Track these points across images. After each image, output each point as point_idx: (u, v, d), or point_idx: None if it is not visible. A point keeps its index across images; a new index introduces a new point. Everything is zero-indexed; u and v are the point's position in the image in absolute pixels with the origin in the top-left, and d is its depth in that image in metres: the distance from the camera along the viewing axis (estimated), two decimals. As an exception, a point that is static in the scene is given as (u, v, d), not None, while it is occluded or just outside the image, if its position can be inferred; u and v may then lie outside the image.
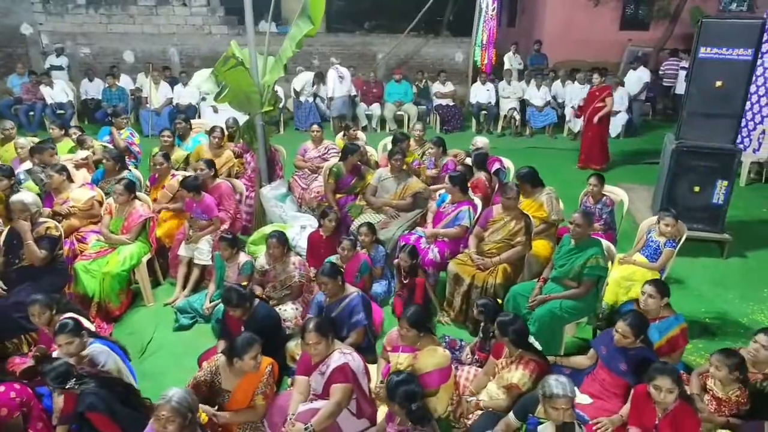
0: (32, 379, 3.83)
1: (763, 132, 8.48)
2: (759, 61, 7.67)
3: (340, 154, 6.94)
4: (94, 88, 11.29)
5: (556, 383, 2.97)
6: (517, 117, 11.09)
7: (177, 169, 6.10)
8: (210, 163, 5.58)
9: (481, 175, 5.78)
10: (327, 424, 3.22)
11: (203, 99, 11.03)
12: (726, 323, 4.98)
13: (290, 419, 3.24)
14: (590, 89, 9.47)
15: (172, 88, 10.95)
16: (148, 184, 6.10)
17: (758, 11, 13.31)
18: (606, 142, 9.25)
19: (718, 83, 5.79)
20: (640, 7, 14.29)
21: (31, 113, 10.64)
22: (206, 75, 5.60)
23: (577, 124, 10.60)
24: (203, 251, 5.29)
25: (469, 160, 6.42)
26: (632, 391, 3.38)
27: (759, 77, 8.18)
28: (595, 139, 9.11)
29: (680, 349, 3.96)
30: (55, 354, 3.64)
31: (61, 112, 10.64)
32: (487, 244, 4.89)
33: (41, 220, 4.69)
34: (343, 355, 3.38)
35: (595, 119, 8.96)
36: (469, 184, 5.45)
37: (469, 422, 3.56)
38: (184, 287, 5.32)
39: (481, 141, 6.56)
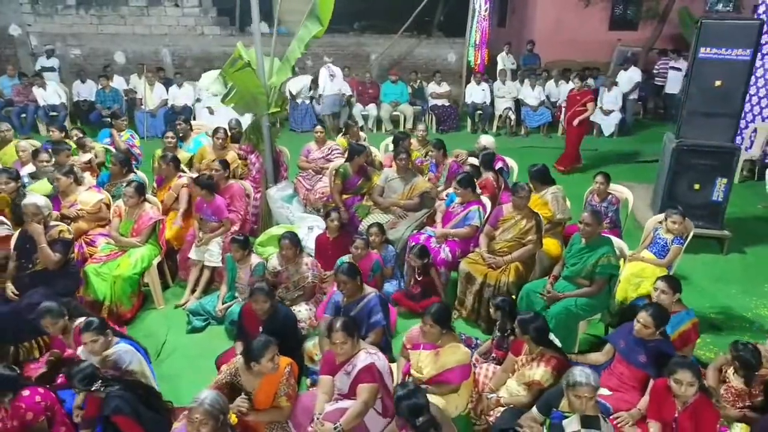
0: (49, 384, 3.81)
1: (755, 130, 8.67)
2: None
3: (343, 154, 6.99)
4: (86, 90, 11.16)
5: (580, 372, 3.05)
6: (512, 117, 11.20)
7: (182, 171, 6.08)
8: (224, 164, 5.57)
9: (488, 175, 5.84)
10: (355, 423, 3.24)
11: (198, 100, 11.00)
12: (731, 318, 5.09)
13: (318, 419, 3.25)
14: (570, 92, 9.47)
15: (167, 90, 10.88)
16: (155, 185, 6.07)
17: (744, 11, 13.61)
18: (577, 147, 9.16)
19: (718, 83, 5.91)
20: (628, 7, 14.46)
21: (23, 115, 10.51)
22: (214, 76, 5.57)
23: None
24: (213, 253, 5.29)
25: (471, 159, 6.48)
26: (651, 385, 3.46)
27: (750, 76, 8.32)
28: (573, 141, 9.07)
29: (692, 343, 4.06)
30: (79, 351, 3.65)
31: (54, 114, 10.51)
32: (498, 243, 4.95)
33: (53, 223, 4.66)
34: (369, 355, 3.40)
35: (575, 122, 8.88)
36: (477, 184, 5.49)
37: (491, 419, 3.60)
38: (194, 290, 5.31)
39: (486, 140, 6.61)
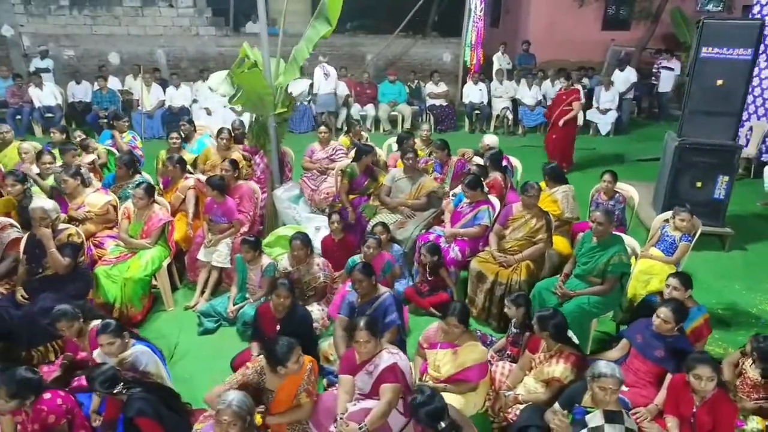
0: (63, 387, 3.79)
1: (751, 129, 8.79)
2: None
3: (347, 154, 7.00)
4: (81, 91, 11.03)
5: (605, 364, 3.09)
6: (510, 116, 11.26)
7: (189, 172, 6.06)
8: (234, 164, 5.55)
9: (496, 175, 5.85)
10: (380, 423, 3.24)
11: (195, 101, 10.95)
12: (737, 314, 5.17)
13: (342, 419, 3.25)
14: (558, 92, 9.45)
15: (164, 90, 10.81)
16: (160, 187, 6.03)
17: (735, 11, 13.79)
18: (571, 146, 9.05)
19: (719, 82, 5.98)
20: (621, 7, 14.60)
21: (18, 117, 10.38)
22: (222, 77, 5.55)
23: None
24: (222, 253, 5.26)
25: (477, 159, 6.50)
26: (668, 381, 3.50)
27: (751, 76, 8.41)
28: (560, 142, 8.93)
29: (704, 338, 4.12)
30: (95, 354, 3.62)
31: (50, 115, 10.41)
32: (508, 241, 4.98)
33: (61, 226, 4.61)
34: (392, 355, 3.41)
35: (561, 123, 8.78)
36: (484, 184, 5.52)
37: (509, 416, 3.63)
38: (203, 292, 5.28)
39: (490, 140, 6.64)
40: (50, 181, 5.50)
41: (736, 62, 5.88)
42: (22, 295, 4.43)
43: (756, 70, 8.55)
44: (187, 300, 5.32)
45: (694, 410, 3.28)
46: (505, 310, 4.10)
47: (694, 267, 5.86)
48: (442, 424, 2.88)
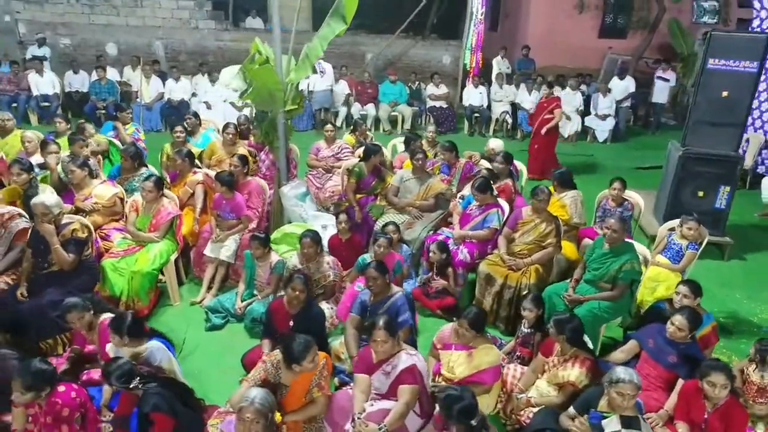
0: (74, 380, 3.74)
1: (747, 140, 8.91)
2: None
3: (352, 152, 6.99)
4: (78, 81, 10.91)
5: (623, 370, 3.13)
6: (509, 120, 11.32)
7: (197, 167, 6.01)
8: (243, 159, 5.52)
9: (507, 180, 5.86)
10: (398, 424, 3.24)
11: (194, 95, 10.88)
12: (739, 322, 5.25)
13: (360, 419, 3.24)
14: (540, 101, 9.44)
15: (163, 83, 10.72)
16: (168, 181, 5.96)
17: (730, 24, 13.96)
18: (553, 153, 9.00)
19: (725, 93, 6.06)
20: (619, 16, 14.72)
21: (14, 105, 10.23)
22: (234, 72, 5.51)
23: (565, 129, 10.80)
24: (229, 249, 5.22)
25: (484, 162, 6.51)
26: (680, 387, 3.54)
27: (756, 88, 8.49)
28: (542, 151, 8.88)
29: (712, 346, 4.19)
30: (108, 348, 3.59)
31: (46, 104, 10.28)
32: (517, 245, 5.00)
33: (65, 220, 4.49)
34: (410, 356, 3.41)
35: (543, 131, 8.76)
36: (495, 188, 5.53)
37: (522, 418, 3.65)
38: (209, 287, 5.24)
39: (495, 144, 6.67)
40: (59, 169, 5.42)
41: (742, 74, 5.97)
42: (21, 293, 4.29)
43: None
44: (192, 295, 5.27)
45: (706, 416, 3.33)
46: (523, 312, 4.12)
47: (696, 275, 5.84)
48: (474, 421, 2.89)
